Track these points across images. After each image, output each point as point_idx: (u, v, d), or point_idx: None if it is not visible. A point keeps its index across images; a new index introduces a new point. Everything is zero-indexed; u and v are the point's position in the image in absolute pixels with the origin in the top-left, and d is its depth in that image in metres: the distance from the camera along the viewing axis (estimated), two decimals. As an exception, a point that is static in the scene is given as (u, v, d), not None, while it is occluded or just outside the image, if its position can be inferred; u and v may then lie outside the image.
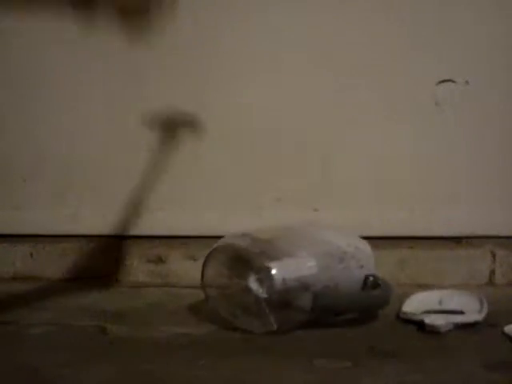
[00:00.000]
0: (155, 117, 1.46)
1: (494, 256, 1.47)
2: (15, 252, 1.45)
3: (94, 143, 1.49)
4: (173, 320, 1.17)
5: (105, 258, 1.44)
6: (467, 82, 1.48)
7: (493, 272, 1.47)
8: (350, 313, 1.15)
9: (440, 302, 1.22)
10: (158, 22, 1.43)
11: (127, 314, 1.20)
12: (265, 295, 1.09)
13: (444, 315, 1.15)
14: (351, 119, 1.49)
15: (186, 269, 1.40)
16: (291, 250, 1.13)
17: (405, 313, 1.18)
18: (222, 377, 0.93)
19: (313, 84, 1.48)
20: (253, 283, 1.10)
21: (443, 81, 1.48)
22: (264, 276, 1.09)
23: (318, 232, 1.22)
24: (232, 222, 1.38)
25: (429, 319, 1.12)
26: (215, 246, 1.16)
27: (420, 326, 1.13)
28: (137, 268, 1.42)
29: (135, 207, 1.47)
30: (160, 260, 1.43)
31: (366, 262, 1.19)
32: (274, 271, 1.08)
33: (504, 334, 1.11)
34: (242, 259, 1.13)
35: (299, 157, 1.50)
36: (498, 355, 1.02)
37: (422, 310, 1.19)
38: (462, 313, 1.18)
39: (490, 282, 1.47)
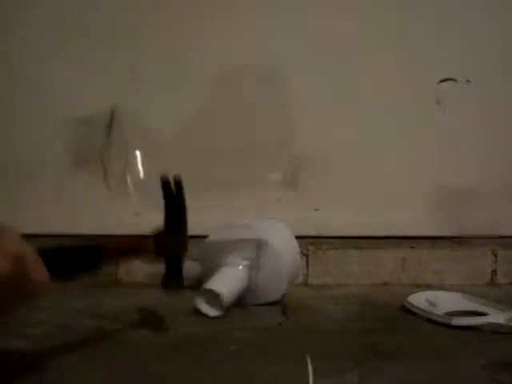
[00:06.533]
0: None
1: (495, 256, 1.47)
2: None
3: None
4: (173, 320, 1.17)
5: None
6: (468, 81, 1.48)
7: (494, 272, 1.47)
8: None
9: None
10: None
11: (127, 314, 1.20)
12: (216, 313, 1.19)
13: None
14: (351, 119, 1.49)
15: (185, 269, 1.39)
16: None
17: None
18: (221, 377, 0.93)
19: (313, 83, 1.47)
20: (201, 305, 1.19)
21: (444, 79, 1.48)
22: (211, 299, 1.19)
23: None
24: (232, 222, 1.37)
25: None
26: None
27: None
28: (137, 268, 1.42)
29: (134, 206, 1.47)
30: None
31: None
32: (221, 297, 1.18)
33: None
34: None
35: (299, 157, 1.49)
36: (499, 355, 1.02)
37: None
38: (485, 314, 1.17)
39: (492, 281, 1.46)
